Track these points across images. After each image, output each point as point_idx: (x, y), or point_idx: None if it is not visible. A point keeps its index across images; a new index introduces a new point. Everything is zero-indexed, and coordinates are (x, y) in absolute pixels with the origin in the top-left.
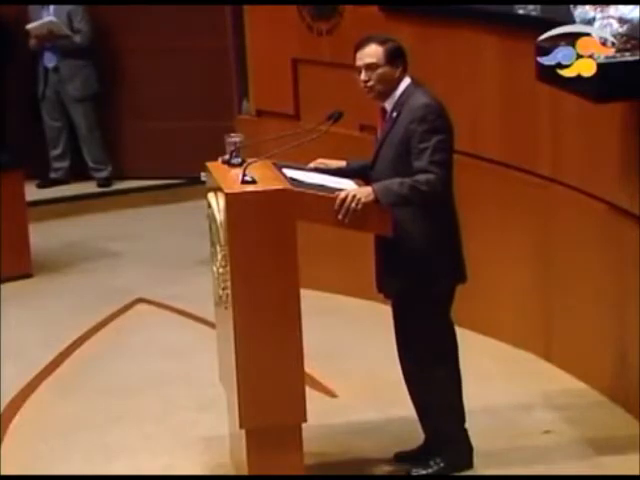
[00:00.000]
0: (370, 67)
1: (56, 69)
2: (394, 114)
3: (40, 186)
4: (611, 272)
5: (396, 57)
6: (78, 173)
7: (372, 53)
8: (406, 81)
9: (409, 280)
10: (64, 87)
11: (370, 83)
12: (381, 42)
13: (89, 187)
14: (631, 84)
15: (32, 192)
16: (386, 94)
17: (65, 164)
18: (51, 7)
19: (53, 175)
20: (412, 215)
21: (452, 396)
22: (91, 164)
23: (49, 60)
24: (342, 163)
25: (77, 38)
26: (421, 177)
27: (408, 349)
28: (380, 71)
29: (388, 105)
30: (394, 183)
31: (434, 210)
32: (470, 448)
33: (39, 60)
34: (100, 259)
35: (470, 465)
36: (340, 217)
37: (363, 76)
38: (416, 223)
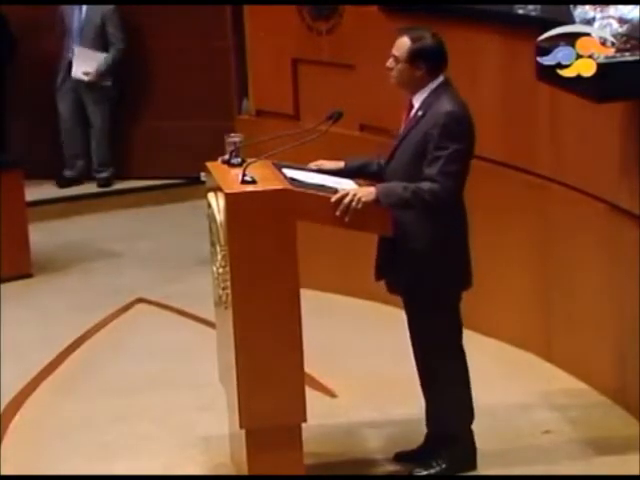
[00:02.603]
0: (395, 58)
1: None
2: (419, 113)
3: (61, 185)
4: (611, 272)
5: (419, 58)
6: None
7: (400, 46)
8: (438, 80)
9: (415, 279)
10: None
11: (392, 73)
12: (413, 38)
13: (89, 187)
14: (631, 84)
15: (51, 191)
16: (408, 89)
17: (80, 162)
18: (84, 7)
19: (69, 173)
20: (417, 216)
21: (464, 393)
22: (96, 165)
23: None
24: (341, 164)
25: (112, 53)
26: (426, 185)
27: (420, 344)
28: (400, 67)
29: (416, 101)
30: (398, 186)
31: (443, 213)
32: (474, 449)
33: (64, 52)
34: (100, 259)
35: (473, 466)
36: (339, 214)
37: (389, 62)
38: (423, 224)
